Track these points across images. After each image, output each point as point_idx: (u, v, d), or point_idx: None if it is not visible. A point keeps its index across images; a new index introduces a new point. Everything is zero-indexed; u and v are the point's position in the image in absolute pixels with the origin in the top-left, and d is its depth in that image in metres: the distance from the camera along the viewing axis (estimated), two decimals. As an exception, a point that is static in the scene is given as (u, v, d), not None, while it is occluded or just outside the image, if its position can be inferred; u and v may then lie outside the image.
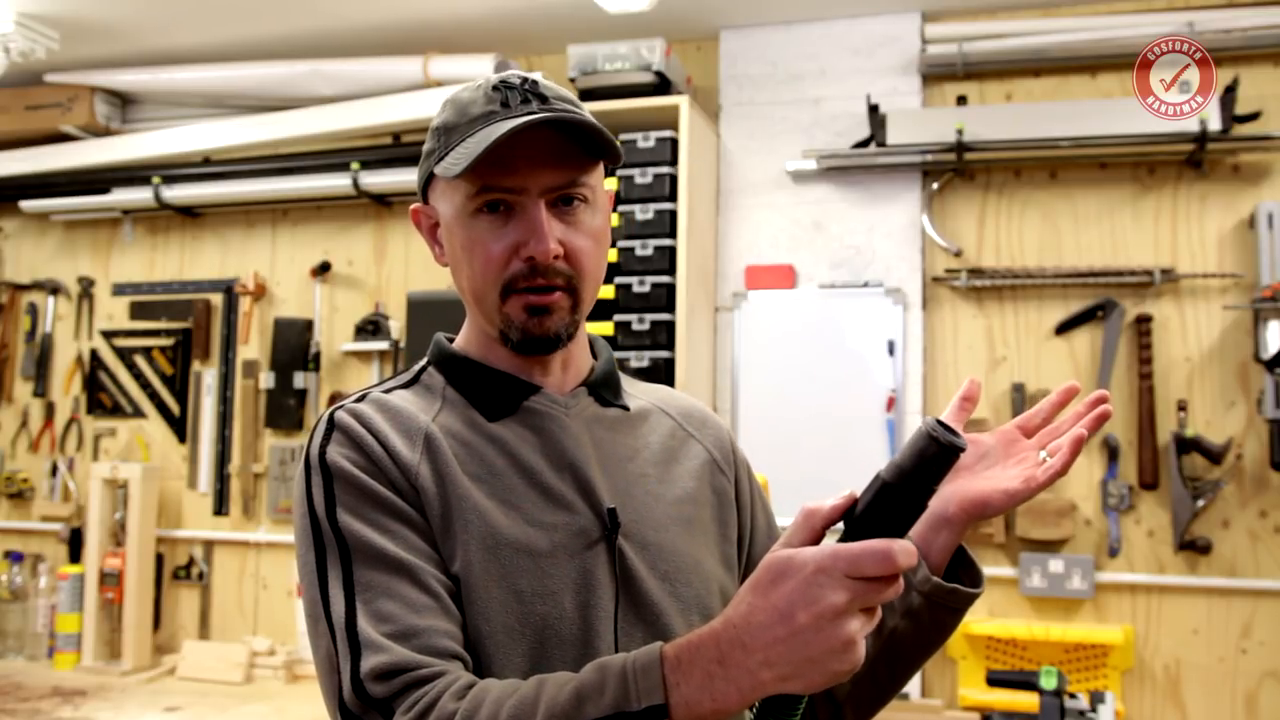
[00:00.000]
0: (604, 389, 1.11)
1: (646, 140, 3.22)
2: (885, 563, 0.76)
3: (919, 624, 1.03)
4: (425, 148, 1.07)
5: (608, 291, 3.21)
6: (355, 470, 0.97)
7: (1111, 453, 3.09)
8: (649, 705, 0.80)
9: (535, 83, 1.03)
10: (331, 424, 1.01)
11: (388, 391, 1.07)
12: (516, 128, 0.97)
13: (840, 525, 0.82)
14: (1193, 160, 3.07)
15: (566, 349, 1.07)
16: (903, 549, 0.76)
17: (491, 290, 1.02)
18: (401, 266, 3.84)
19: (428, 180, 1.08)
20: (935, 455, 0.78)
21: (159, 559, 3.97)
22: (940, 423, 0.79)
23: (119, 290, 4.17)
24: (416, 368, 1.12)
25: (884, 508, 0.80)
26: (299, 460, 1.03)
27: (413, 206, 1.11)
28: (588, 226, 1.04)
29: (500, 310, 1.02)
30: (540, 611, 0.96)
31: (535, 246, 0.99)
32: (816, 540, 0.81)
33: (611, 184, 3.23)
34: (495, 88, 1.02)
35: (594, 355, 1.14)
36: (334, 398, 3.79)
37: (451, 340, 1.12)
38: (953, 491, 1.00)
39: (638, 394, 1.17)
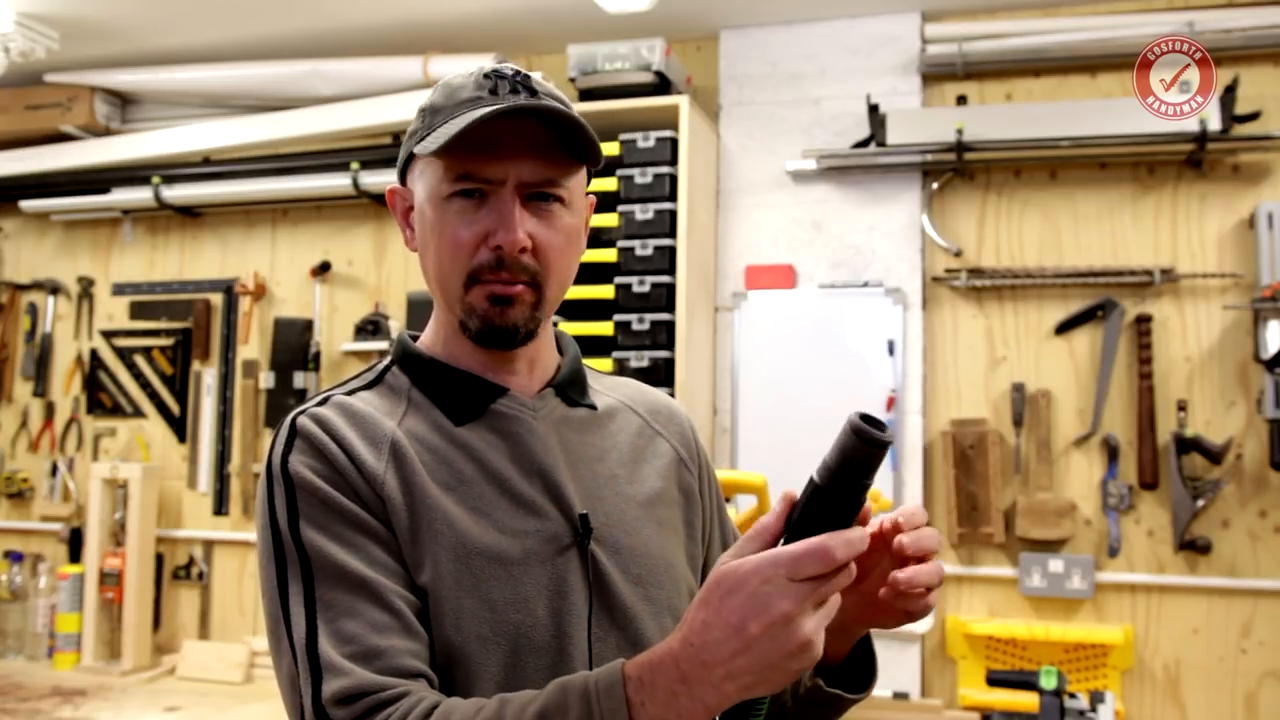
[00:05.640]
0: (571, 388, 1.10)
1: (646, 140, 3.22)
2: (824, 560, 0.77)
3: (803, 709, 1.03)
4: (411, 128, 1.05)
5: (607, 291, 3.21)
6: (318, 481, 0.95)
7: (1111, 453, 3.09)
8: None
9: (527, 76, 1.03)
10: (293, 431, 0.98)
11: (350, 393, 1.04)
12: (494, 112, 0.96)
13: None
14: (1193, 160, 3.07)
15: (533, 348, 1.06)
16: (842, 541, 0.78)
17: (456, 277, 1.00)
18: (401, 266, 3.84)
19: (408, 161, 1.06)
20: (859, 451, 0.79)
21: (159, 559, 3.97)
22: (864, 416, 0.79)
23: (119, 290, 4.17)
24: (380, 366, 1.09)
25: (819, 509, 0.81)
26: (261, 468, 1.00)
27: (389, 187, 1.09)
28: (561, 225, 1.02)
29: (463, 299, 1.01)
30: (514, 620, 0.95)
31: (503, 236, 0.98)
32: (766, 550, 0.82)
33: (611, 184, 3.23)
34: (487, 75, 1.01)
35: (560, 352, 1.12)
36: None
37: (416, 338, 1.10)
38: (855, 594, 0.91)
39: (604, 390, 1.15)
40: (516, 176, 0.99)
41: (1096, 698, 2.34)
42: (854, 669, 1.01)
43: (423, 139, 1.01)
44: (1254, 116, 3.02)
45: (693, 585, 1.10)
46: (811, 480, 0.82)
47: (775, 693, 0.81)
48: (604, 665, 0.85)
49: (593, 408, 1.11)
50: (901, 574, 0.88)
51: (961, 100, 3.28)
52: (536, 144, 0.99)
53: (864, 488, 0.81)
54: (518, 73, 1.02)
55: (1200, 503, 3.01)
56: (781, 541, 0.82)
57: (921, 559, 0.88)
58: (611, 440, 1.10)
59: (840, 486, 0.80)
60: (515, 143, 0.98)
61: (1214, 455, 2.99)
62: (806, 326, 3.34)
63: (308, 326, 3.86)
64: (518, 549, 0.97)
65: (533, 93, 1.01)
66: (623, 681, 0.82)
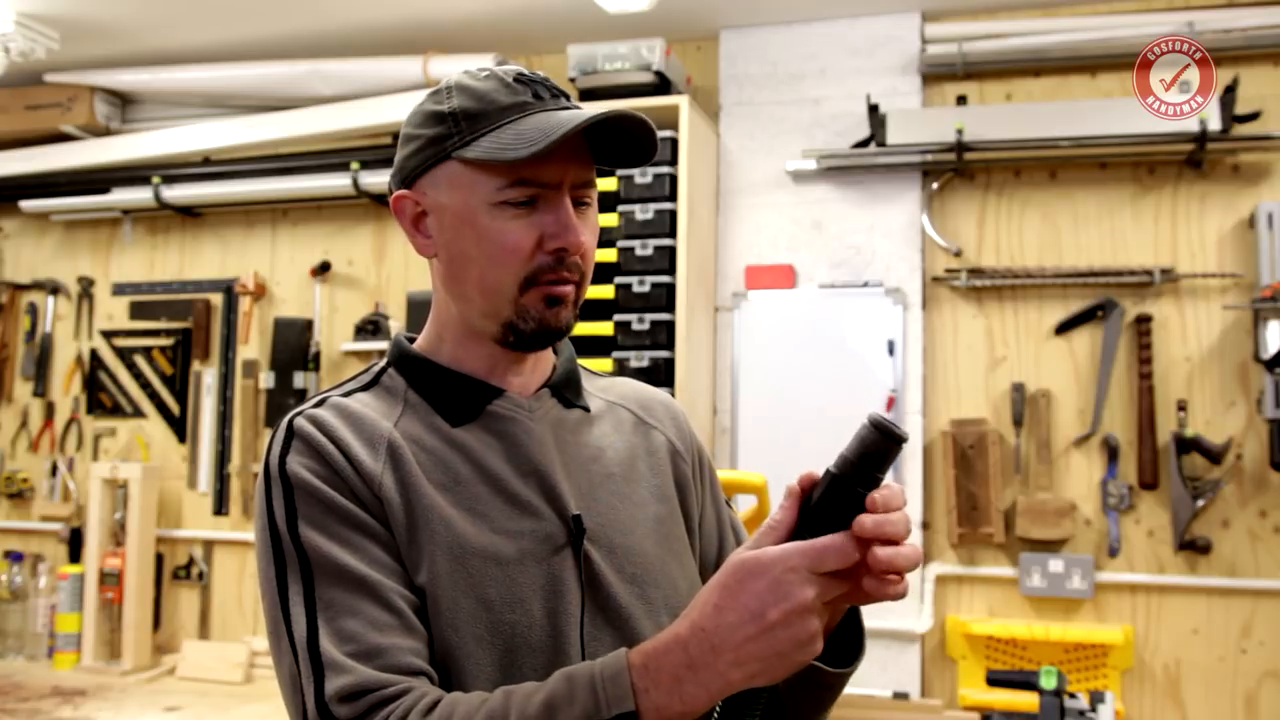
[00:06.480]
0: (566, 389, 1.10)
1: (646, 140, 3.21)
2: (845, 557, 0.80)
3: (792, 689, 0.98)
4: (428, 133, 1.01)
5: (607, 291, 3.21)
6: (316, 481, 0.95)
7: (1111, 453, 3.09)
8: (619, 713, 0.81)
9: (547, 78, 1.04)
10: (291, 432, 0.98)
11: (347, 395, 1.04)
12: (605, 116, 0.96)
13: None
14: (1193, 160, 3.07)
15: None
16: (856, 543, 0.81)
17: (511, 282, 1.00)
18: (401, 266, 3.84)
19: (421, 168, 1.02)
20: (879, 445, 0.84)
21: (159, 559, 3.97)
22: (883, 417, 0.85)
23: (119, 290, 4.17)
24: (376, 368, 1.09)
25: (834, 499, 0.84)
26: (259, 469, 1.00)
27: (397, 193, 1.05)
28: (593, 225, 1.04)
29: (516, 302, 1.00)
30: (509, 620, 0.96)
31: (568, 239, 0.99)
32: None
33: (611, 184, 3.23)
34: (518, 79, 1.01)
35: (555, 353, 1.13)
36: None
37: (412, 340, 1.10)
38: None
39: (596, 391, 1.15)
40: (570, 179, 1.00)
41: (1096, 698, 2.34)
42: (838, 645, 0.98)
43: (464, 145, 0.99)
44: (1254, 116, 3.02)
45: (694, 581, 1.10)
46: (829, 471, 0.86)
47: (772, 684, 0.82)
48: (607, 655, 0.85)
49: (586, 409, 1.11)
50: (881, 552, 0.82)
51: (961, 100, 3.28)
52: (580, 147, 1.01)
53: (876, 481, 0.85)
54: (539, 75, 1.04)
55: (1200, 503, 3.01)
56: (795, 530, 0.85)
57: (890, 542, 0.84)
58: (607, 440, 1.10)
59: (857, 477, 0.84)
60: (567, 148, 0.99)
61: (1214, 455, 2.99)
62: (806, 326, 3.34)
63: (308, 326, 3.87)
64: (513, 549, 0.98)
65: (565, 95, 1.03)
66: (628, 668, 0.83)
